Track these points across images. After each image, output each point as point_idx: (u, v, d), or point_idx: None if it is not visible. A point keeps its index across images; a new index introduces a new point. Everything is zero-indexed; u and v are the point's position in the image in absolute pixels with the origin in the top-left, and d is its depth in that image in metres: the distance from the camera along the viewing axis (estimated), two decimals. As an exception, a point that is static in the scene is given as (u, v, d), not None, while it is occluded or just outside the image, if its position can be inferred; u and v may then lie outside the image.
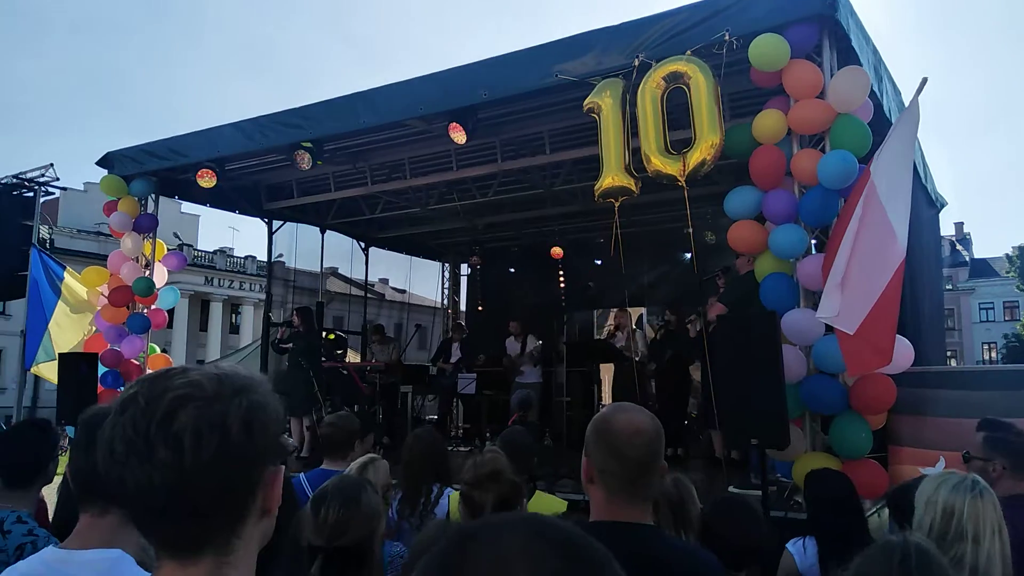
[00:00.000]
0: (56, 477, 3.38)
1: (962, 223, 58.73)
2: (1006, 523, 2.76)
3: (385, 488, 3.17)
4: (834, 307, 4.12)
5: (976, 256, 56.99)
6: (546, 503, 3.09)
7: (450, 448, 9.48)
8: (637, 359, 8.63)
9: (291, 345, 9.43)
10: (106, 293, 8.80)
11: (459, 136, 6.75)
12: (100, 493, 1.54)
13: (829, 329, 4.74)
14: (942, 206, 9.43)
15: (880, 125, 5.44)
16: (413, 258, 13.96)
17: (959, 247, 55.41)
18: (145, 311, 8.92)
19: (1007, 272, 48.49)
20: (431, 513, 3.82)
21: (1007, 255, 47.94)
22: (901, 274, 4.09)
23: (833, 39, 5.25)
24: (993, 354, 50.63)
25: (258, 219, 11.20)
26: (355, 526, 2.33)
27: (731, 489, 5.62)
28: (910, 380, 4.76)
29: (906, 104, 6.64)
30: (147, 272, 8.90)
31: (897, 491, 3.20)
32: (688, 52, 5.27)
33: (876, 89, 5.63)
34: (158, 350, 9.33)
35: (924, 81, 4.37)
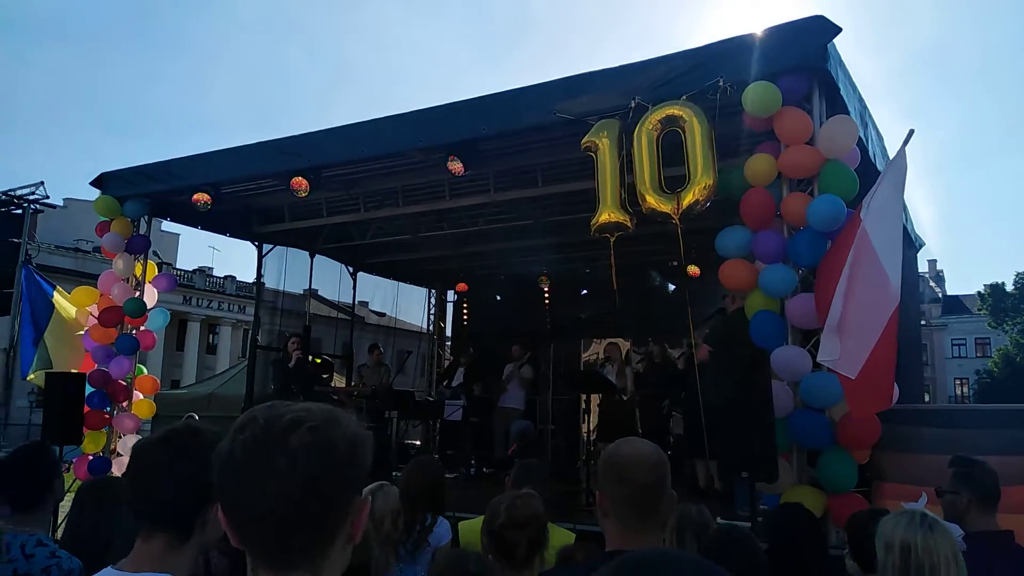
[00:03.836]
0: (68, 494, 3.43)
1: (935, 260, 59.95)
2: (977, 560, 2.92)
3: (394, 514, 3.26)
4: (834, 351, 4.28)
5: (949, 293, 58.03)
6: (556, 535, 3.19)
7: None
8: (626, 396, 8.75)
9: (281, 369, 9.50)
10: (95, 313, 8.80)
11: (457, 168, 6.90)
12: (145, 516, 1.61)
13: (817, 365, 4.92)
14: (920, 246, 9.71)
15: (866, 170, 5.67)
16: (400, 284, 14.05)
17: (932, 284, 56.43)
18: (134, 332, 8.93)
19: (979, 309, 49.43)
20: (425, 542, 3.90)
21: (979, 293, 48.93)
22: (896, 318, 4.27)
23: (823, 88, 5.47)
24: (965, 389, 51.46)
25: (246, 241, 11.25)
26: (360, 548, 2.44)
27: (718, 520, 5.73)
28: (894, 417, 4.92)
29: (889, 149, 6.93)
30: (137, 293, 8.93)
31: (852, 528, 3.32)
32: (684, 97, 5.47)
33: (862, 135, 5.87)
34: (145, 371, 9.33)
35: (911, 132, 4.59)
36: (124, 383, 8.72)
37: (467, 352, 12.05)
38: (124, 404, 8.78)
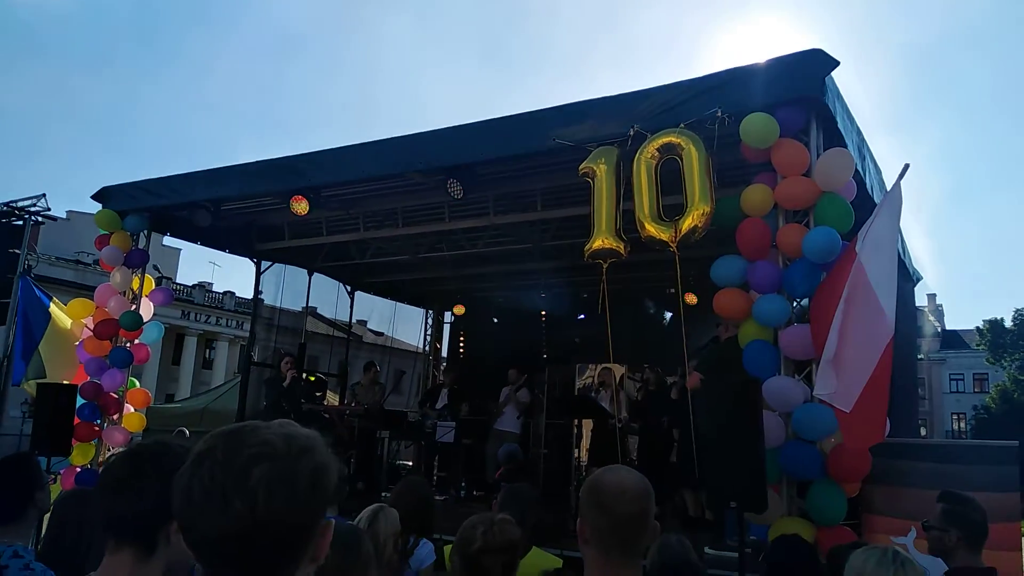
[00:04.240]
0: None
1: (935, 294, 59.93)
2: None
3: (396, 536, 3.22)
4: (830, 384, 4.28)
5: (948, 327, 57.99)
6: (542, 560, 3.16)
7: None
8: (620, 423, 8.70)
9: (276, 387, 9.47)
10: (91, 325, 8.79)
11: (456, 190, 6.93)
12: (111, 529, 1.61)
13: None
14: (918, 280, 9.73)
15: (863, 202, 5.70)
16: (398, 304, 14.05)
17: (932, 318, 56.38)
18: (128, 345, 8.92)
19: (977, 345, 49.36)
20: (405, 563, 3.86)
21: (978, 328, 48.87)
22: (891, 352, 4.27)
23: (820, 120, 5.52)
24: (962, 424, 51.22)
25: (245, 258, 11.27)
26: (353, 573, 2.41)
27: (707, 550, 5.70)
28: (885, 451, 4.90)
29: (887, 183, 6.96)
30: (133, 306, 8.92)
31: (831, 562, 3.28)
32: (681, 125, 5.51)
33: (859, 168, 5.90)
34: (137, 384, 9.30)
35: (906, 167, 4.63)
36: (116, 396, 8.69)
37: (450, 373, 12.03)
38: (115, 417, 8.74)
